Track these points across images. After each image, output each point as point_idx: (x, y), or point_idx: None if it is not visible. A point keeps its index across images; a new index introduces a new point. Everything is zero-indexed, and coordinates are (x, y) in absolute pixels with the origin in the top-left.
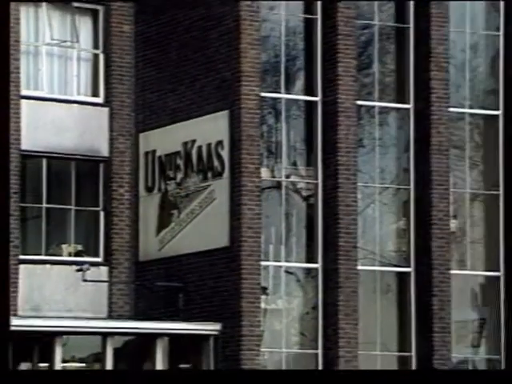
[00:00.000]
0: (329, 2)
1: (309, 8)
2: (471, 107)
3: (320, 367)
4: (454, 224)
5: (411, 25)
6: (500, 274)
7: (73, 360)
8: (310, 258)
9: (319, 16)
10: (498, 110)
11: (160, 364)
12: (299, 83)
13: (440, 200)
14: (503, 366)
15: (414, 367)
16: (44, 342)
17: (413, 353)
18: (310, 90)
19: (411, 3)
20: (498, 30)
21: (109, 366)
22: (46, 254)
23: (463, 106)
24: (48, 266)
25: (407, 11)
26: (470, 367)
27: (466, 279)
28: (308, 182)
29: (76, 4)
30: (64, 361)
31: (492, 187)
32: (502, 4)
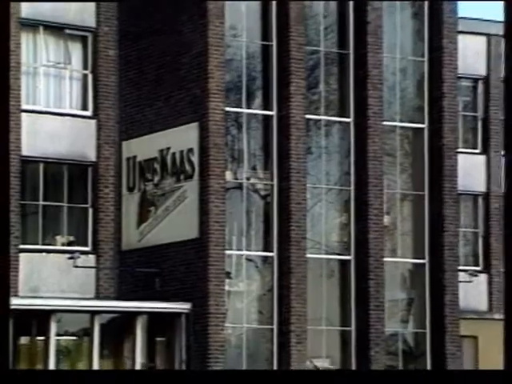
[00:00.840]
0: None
1: (266, 36)
2: (401, 121)
3: (275, 340)
4: (387, 219)
5: (351, 51)
6: (425, 261)
7: (66, 334)
8: (267, 248)
9: (274, 43)
10: (423, 123)
11: (139, 337)
12: (258, 100)
13: (375, 199)
14: (506, 367)
15: (353, 340)
16: (41, 318)
17: (352, 327)
18: (266, 105)
19: (351, 34)
20: (423, 56)
21: (96, 339)
22: (43, 244)
23: (394, 120)
24: (44, 254)
25: (348, 40)
26: (400, 340)
27: (397, 265)
28: (265, 184)
29: (68, 31)
30: (58, 334)
31: (418, 188)
32: (426, 35)
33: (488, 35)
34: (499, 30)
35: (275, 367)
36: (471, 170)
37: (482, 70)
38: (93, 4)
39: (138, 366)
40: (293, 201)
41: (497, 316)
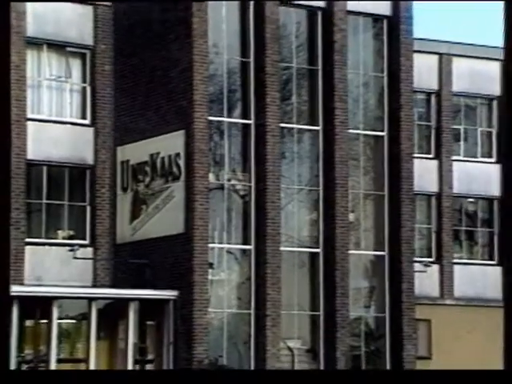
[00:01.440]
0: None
1: (244, 53)
2: (364, 129)
3: (252, 323)
4: (352, 216)
5: (320, 67)
6: (385, 253)
7: (66, 318)
8: (245, 241)
9: (252, 60)
10: (383, 131)
11: (132, 321)
12: (237, 110)
13: (341, 198)
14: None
15: (321, 323)
16: (44, 304)
17: (321, 312)
18: (245, 115)
19: (320, 52)
20: (383, 72)
21: (93, 323)
22: (46, 238)
23: (358, 129)
24: (47, 246)
25: (317, 57)
26: (363, 323)
27: (360, 257)
28: (244, 185)
29: (69, 49)
30: (59, 318)
31: (379, 189)
32: (385, 53)
33: (440, 54)
34: (450, 49)
35: (252, 348)
36: (425, 173)
37: (434, 85)
38: (91, 24)
39: (130, 347)
40: (268, 200)
41: (448, 302)
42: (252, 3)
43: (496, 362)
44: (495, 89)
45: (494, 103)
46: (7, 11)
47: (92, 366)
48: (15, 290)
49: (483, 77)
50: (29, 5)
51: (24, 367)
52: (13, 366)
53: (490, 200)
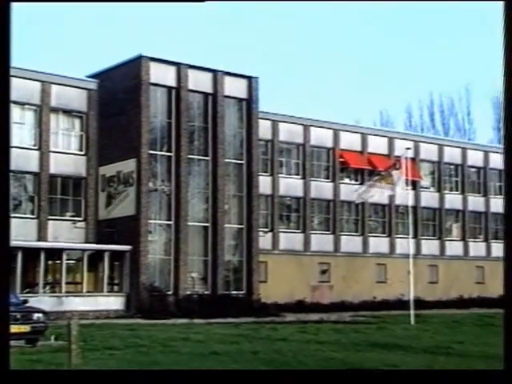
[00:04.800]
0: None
1: (170, 117)
2: (234, 159)
3: (172, 264)
4: (226, 206)
5: (209, 126)
6: (244, 226)
7: (70, 259)
8: (169, 219)
9: (173, 120)
10: (243, 160)
11: (106, 262)
12: (165, 147)
13: (221, 197)
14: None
15: (210, 263)
16: (58, 252)
17: (209, 257)
18: (169, 150)
19: (210, 117)
20: (242, 129)
21: (85, 263)
22: (60, 216)
23: (230, 158)
24: (60, 221)
25: (208, 120)
26: (232, 263)
27: (231, 228)
28: (169, 189)
29: (74, 113)
30: (67, 260)
31: (240, 192)
32: (245, 119)
33: (273, 121)
34: (281, 118)
35: (172, 277)
36: (262, 184)
37: (269, 136)
38: (86, 100)
39: (105, 276)
40: (182, 197)
41: (276, 252)
42: (174, 91)
43: (295, 280)
44: (300, 140)
45: (302, 148)
46: (7, 11)
47: (84, 286)
48: (43, 244)
49: (294, 133)
50: (53, 90)
51: (47, 286)
52: (41, 287)
53: (298, 198)
